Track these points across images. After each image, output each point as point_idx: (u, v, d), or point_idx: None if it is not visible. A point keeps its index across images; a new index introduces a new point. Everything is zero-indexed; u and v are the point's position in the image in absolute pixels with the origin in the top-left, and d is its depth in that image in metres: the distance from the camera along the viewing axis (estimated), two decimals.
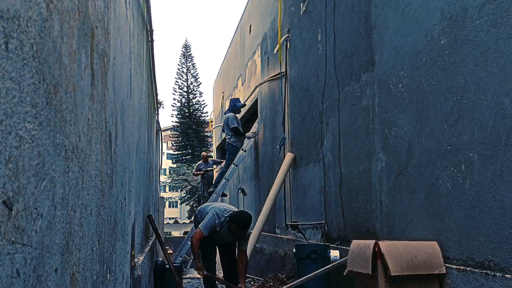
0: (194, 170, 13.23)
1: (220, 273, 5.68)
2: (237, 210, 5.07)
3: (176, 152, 32.31)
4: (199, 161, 12.52)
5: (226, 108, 9.39)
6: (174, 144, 32.68)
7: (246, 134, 8.96)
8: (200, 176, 12.08)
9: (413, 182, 3.44)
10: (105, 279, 1.92)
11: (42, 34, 0.96)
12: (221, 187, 8.77)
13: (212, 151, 18.02)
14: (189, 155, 30.96)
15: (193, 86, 33.52)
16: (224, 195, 9.53)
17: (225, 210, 4.82)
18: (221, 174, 9.10)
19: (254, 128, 9.20)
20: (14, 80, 0.80)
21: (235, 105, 9.01)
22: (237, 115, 9.25)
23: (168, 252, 6.57)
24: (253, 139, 8.94)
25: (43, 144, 0.97)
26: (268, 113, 8.06)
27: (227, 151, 9.14)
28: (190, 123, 31.85)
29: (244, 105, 9.25)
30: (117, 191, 2.36)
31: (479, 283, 2.69)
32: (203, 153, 12.71)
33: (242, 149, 8.84)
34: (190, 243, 4.74)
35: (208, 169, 11.89)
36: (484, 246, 2.69)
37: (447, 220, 3.05)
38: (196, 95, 33.34)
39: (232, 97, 9.91)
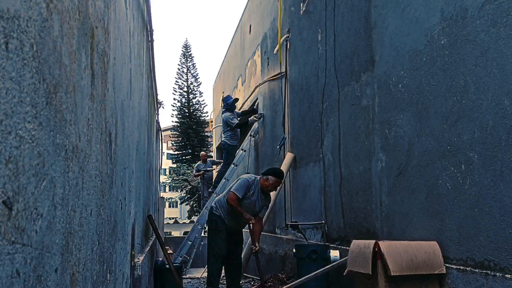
0: (194, 172, 13.25)
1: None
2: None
3: (176, 152, 32.28)
4: (199, 161, 12.55)
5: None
6: (174, 144, 32.65)
7: (249, 119, 8.75)
8: (200, 176, 12.11)
9: (413, 182, 3.44)
10: (105, 279, 1.92)
11: (42, 34, 0.96)
12: (221, 187, 8.76)
13: (212, 151, 18.02)
14: (189, 155, 30.94)
15: (193, 86, 33.49)
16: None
17: (251, 174, 5.36)
18: (221, 174, 9.09)
19: (257, 126, 9.14)
20: (14, 80, 0.80)
21: (227, 104, 8.99)
22: (235, 110, 9.23)
23: (168, 252, 6.57)
24: (254, 138, 8.92)
25: (43, 144, 0.97)
26: (268, 113, 8.06)
27: (223, 151, 9.14)
28: (190, 123, 31.82)
29: (236, 99, 9.18)
30: (117, 191, 2.36)
31: (479, 283, 2.69)
32: (202, 153, 12.73)
33: (242, 149, 8.83)
34: (228, 205, 5.14)
35: (207, 169, 11.91)
36: (484, 246, 2.69)
37: (447, 220, 3.05)
38: (196, 95, 33.32)
39: (223, 97, 9.86)
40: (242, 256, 5.73)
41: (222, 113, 9.20)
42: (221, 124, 11.47)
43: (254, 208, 5.15)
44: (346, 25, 4.72)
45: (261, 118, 8.53)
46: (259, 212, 5.26)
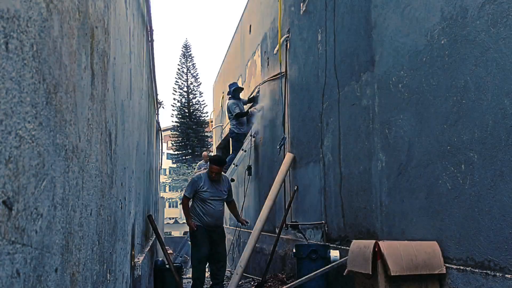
0: (195, 170, 13.27)
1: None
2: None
3: (176, 152, 32.29)
4: (200, 160, 12.56)
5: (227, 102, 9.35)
6: (174, 144, 32.65)
7: (250, 110, 8.80)
8: None
9: (413, 182, 3.44)
10: (105, 279, 1.92)
11: (42, 34, 0.96)
12: (231, 172, 8.72)
13: (212, 151, 18.02)
14: (189, 155, 30.94)
15: (193, 86, 33.51)
16: (232, 180, 9.49)
17: (199, 172, 6.06)
18: (230, 160, 9.06)
19: (257, 127, 9.12)
20: (14, 80, 0.80)
21: (230, 90, 8.99)
22: (241, 98, 9.20)
23: (168, 252, 6.57)
24: (254, 138, 8.91)
25: (43, 144, 0.97)
26: (268, 113, 8.05)
27: (231, 139, 9.14)
28: (190, 123, 31.84)
29: (240, 88, 9.13)
30: (117, 191, 2.36)
31: (479, 283, 2.69)
32: (204, 153, 12.76)
33: (242, 149, 8.82)
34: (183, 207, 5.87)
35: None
36: (484, 246, 2.69)
37: (447, 220, 3.05)
38: (196, 95, 33.33)
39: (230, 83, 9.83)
40: (242, 257, 5.89)
41: (228, 100, 9.20)
42: (221, 124, 11.48)
43: (219, 197, 5.72)
44: (346, 25, 4.72)
45: (261, 111, 8.58)
46: (226, 198, 5.87)
